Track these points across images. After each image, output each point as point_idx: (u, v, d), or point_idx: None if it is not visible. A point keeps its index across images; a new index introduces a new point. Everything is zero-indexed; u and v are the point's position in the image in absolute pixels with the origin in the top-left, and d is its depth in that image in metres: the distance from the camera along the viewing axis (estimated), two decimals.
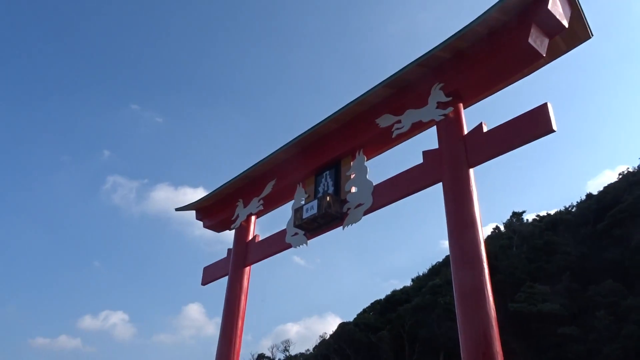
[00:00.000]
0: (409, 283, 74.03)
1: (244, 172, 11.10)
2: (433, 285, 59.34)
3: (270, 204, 11.32)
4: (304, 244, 9.78)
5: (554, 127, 6.64)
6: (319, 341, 71.29)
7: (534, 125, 6.82)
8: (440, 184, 7.56)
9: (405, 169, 8.30)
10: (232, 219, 11.76)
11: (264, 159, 10.60)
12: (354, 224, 8.92)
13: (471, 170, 7.31)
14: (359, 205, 8.80)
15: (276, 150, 10.33)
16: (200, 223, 12.82)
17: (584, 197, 69.79)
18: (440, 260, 71.86)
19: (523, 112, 6.99)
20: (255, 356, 75.41)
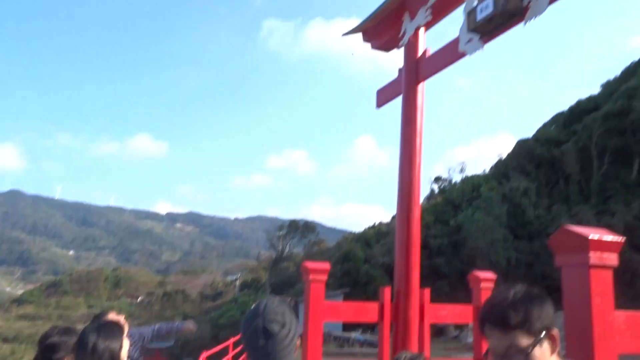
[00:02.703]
0: (593, 91, 66.84)
1: None
2: (627, 88, 52.84)
3: (439, 12, 10.45)
4: (480, 49, 9.02)
5: None
6: (495, 160, 70.32)
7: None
8: None
9: None
10: (400, 35, 11.26)
11: None
12: (537, 17, 7.89)
13: None
14: None
15: None
16: (355, 59, 12.59)
17: None
18: (636, 59, 62.66)
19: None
20: (432, 179, 77.79)
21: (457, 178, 73.53)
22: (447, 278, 45.25)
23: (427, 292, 5.90)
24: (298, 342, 2.08)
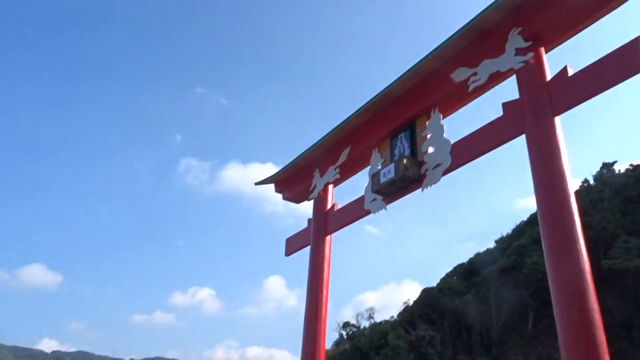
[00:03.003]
0: (486, 245, 72.21)
1: (318, 141, 11.11)
2: (518, 246, 57.44)
3: (346, 172, 11.30)
4: (383, 209, 9.70)
5: None
6: (402, 307, 71.48)
7: (625, 63, 6.26)
8: (524, 136, 7.18)
9: (484, 123, 7.96)
10: (310, 189, 11.87)
11: (337, 126, 10.53)
12: (433, 185, 8.72)
13: (557, 119, 6.87)
14: (437, 165, 8.57)
15: (349, 117, 10.23)
16: (271, 198, 13.11)
17: None
18: (525, 219, 69.21)
19: (611, 50, 6.45)
20: (341, 324, 76.95)
21: (365, 323, 73.10)
22: None
23: None
24: None
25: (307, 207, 12.25)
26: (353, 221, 10.69)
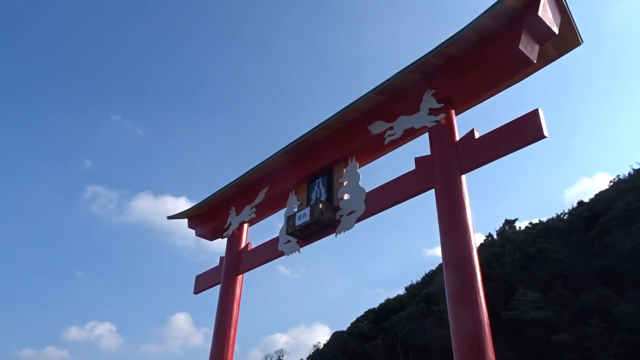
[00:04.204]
0: (395, 292, 74.42)
1: (235, 180, 11.05)
2: (426, 294, 59.27)
3: (262, 212, 11.28)
4: (297, 252, 9.73)
5: (545, 133, 6.67)
6: (312, 350, 70.92)
7: (525, 131, 6.84)
8: (432, 190, 7.56)
9: (398, 175, 8.30)
10: (225, 226, 11.70)
11: (255, 166, 10.56)
12: (346, 231, 8.90)
13: (463, 177, 7.32)
14: (352, 212, 8.78)
15: (268, 158, 10.30)
16: (182, 233, 12.89)
17: (575, 205, 70.18)
18: (434, 268, 71.81)
19: (515, 118, 7.03)
20: None
21: None
22: None
23: None
24: None
25: (219, 244, 12.07)
26: (266, 261, 10.61)
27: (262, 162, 10.43)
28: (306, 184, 10.02)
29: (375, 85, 8.43)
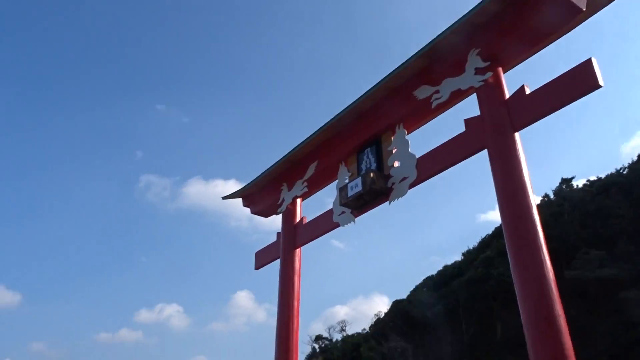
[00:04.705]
0: (451, 259, 73.53)
1: (284, 156, 11.24)
2: (485, 258, 58.52)
3: (314, 186, 11.45)
4: (352, 222, 9.87)
5: (601, 82, 6.43)
6: (374, 320, 71.75)
7: (579, 82, 6.61)
8: (485, 151, 7.46)
9: (448, 138, 8.23)
10: (278, 203, 11.97)
11: (303, 141, 10.70)
12: (400, 198, 8.94)
13: (517, 135, 7.18)
14: (404, 179, 8.80)
15: (315, 132, 10.41)
16: (235, 214, 13.24)
17: (635, 159, 66.86)
18: (490, 232, 70.62)
19: (565, 71, 6.80)
20: (313, 338, 76.64)
21: (337, 336, 73.15)
22: None
23: None
24: None
25: (272, 224, 12.44)
26: (323, 233, 10.82)
27: (309, 137, 10.55)
28: (355, 155, 10.08)
29: (417, 50, 8.34)
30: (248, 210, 13.12)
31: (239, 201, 13.17)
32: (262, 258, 12.59)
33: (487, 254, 59.38)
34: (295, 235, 11.48)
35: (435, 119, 9.50)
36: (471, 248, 73.11)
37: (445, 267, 70.24)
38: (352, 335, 70.85)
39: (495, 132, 7.30)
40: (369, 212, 9.66)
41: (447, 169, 8.28)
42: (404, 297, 68.53)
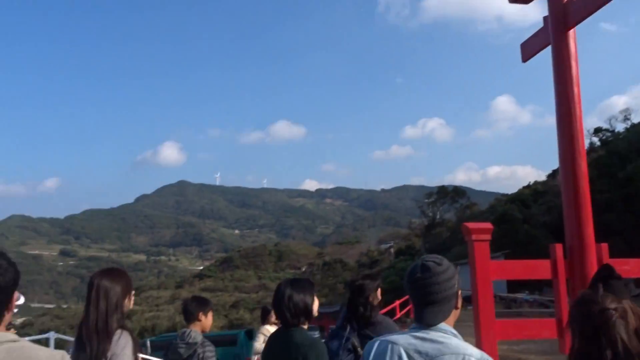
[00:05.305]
0: None
1: None
2: None
3: None
4: None
5: None
6: None
7: None
8: None
9: None
10: None
11: None
12: None
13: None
14: None
15: None
16: (481, 18, 12.15)
17: None
18: None
19: None
20: (591, 131, 71.03)
21: (620, 127, 66.32)
22: (620, 234, 41.45)
23: (604, 246, 5.70)
24: (458, 286, 2.23)
25: (523, 20, 11.25)
26: (601, 6, 9.41)
27: None
28: None
29: None
30: (493, 12, 12.05)
31: (482, 2, 12.14)
32: (530, 48, 11.64)
33: None
34: (565, 14, 10.21)
35: None
36: None
37: None
38: (639, 123, 62.91)
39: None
40: None
41: None
42: None
